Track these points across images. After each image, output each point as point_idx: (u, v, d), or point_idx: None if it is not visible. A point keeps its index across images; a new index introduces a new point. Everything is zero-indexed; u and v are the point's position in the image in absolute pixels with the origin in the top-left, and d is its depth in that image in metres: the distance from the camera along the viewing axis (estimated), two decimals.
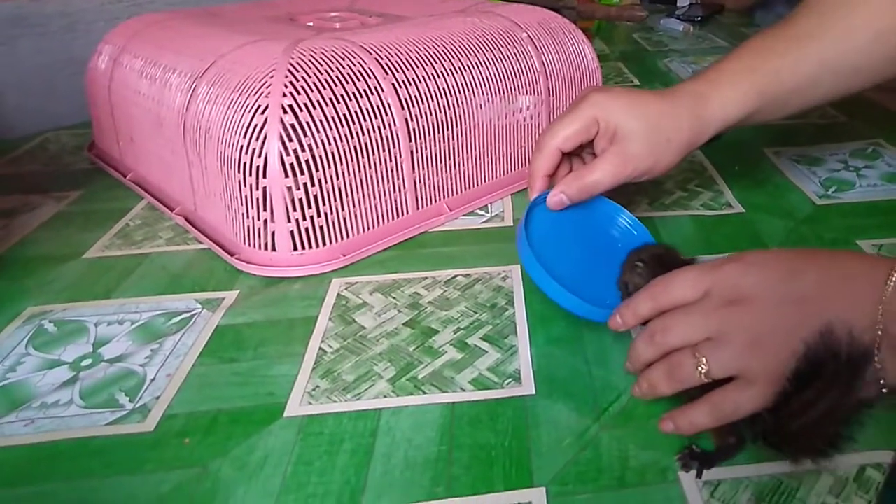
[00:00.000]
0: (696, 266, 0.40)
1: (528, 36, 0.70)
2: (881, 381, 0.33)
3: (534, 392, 0.43)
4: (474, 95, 0.64)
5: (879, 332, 0.33)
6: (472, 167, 0.66)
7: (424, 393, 0.43)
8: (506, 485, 0.36)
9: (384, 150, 0.58)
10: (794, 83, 0.52)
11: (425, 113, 0.60)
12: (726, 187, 0.70)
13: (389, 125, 0.58)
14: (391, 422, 0.41)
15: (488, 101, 0.65)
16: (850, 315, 0.33)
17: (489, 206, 0.67)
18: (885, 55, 0.51)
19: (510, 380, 0.44)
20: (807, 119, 0.87)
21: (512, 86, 0.67)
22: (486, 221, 0.64)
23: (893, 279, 0.33)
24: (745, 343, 0.36)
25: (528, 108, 0.69)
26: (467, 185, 0.66)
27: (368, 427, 0.40)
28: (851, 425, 0.33)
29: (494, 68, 0.66)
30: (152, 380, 0.44)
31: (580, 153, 0.54)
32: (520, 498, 0.35)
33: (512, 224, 0.63)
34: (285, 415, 0.41)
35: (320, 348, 0.47)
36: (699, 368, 0.37)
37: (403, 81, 0.59)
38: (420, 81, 0.60)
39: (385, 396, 0.43)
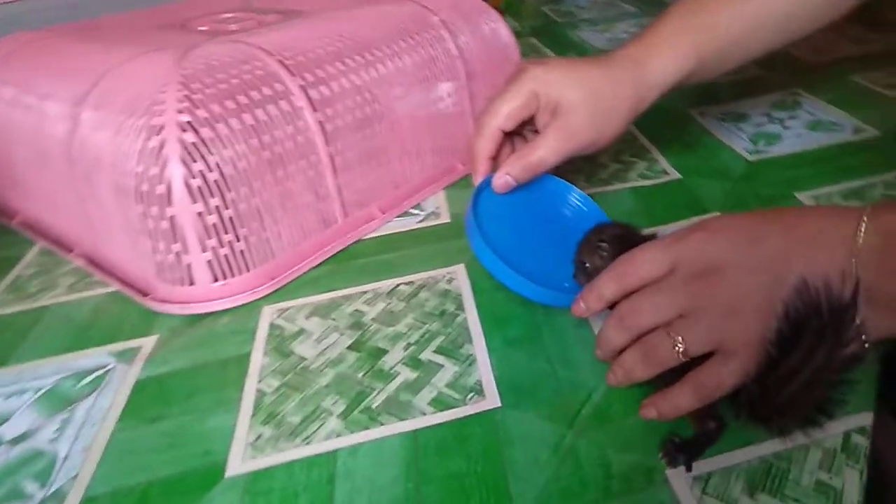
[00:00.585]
0: (658, 241, 0.38)
1: (441, 20, 0.66)
2: (863, 337, 0.32)
3: (500, 404, 0.39)
4: (391, 88, 0.60)
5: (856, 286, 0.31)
6: (399, 164, 0.62)
7: (382, 424, 0.39)
8: None
9: (301, 159, 0.53)
10: (731, 38, 0.50)
11: (341, 113, 0.55)
12: (659, 154, 0.68)
13: (303, 131, 0.53)
14: (349, 463, 0.36)
15: (406, 92, 0.61)
16: (823, 271, 0.31)
17: (422, 203, 0.62)
18: (817, 3, 0.50)
19: (473, 394, 0.40)
20: (725, 76, 0.87)
21: (429, 73, 0.63)
22: (421, 221, 0.60)
23: (862, 231, 0.32)
24: (718, 315, 0.34)
25: (449, 95, 0.66)
26: (396, 184, 0.62)
27: (324, 474, 0.36)
28: (840, 387, 0.31)
29: (409, 57, 0.62)
30: (66, 457, 0.38)
31: (521, 132, 0.51)
32: None
33: (450, 220, 0.59)
34: (227, 475, 0.36)
35: (258, 389, 0.42)
36: (676, 348, 0.34)
37: (312, 81, 0.54)
38: (331, 80, 0.55)
39: (338, 435, 0.38)
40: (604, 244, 0.41)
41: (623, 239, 0.41)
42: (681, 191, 0.62)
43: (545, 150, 0.47)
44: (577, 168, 0.65)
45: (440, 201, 0.63)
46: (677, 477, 0.34)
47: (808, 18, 0.51)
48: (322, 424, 0.39)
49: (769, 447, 0.35)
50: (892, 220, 0.32)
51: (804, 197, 0.58)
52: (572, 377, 0.41)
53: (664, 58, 0.49)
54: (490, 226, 0.46)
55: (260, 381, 0.43)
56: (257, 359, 0.45)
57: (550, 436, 0.37)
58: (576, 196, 0.52)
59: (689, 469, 0.34)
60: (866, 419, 0.36)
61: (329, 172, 0.55)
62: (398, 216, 0.60)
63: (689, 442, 0.35)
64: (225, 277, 0.50)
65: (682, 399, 0.35)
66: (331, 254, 0.55)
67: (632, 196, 0.61)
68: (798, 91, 0.80)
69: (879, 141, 0.67)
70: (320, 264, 0.54)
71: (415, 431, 0.38)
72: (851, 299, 0.30)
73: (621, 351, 0.37)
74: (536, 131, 0.49)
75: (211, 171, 0.47)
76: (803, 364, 0.30)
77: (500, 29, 0.72)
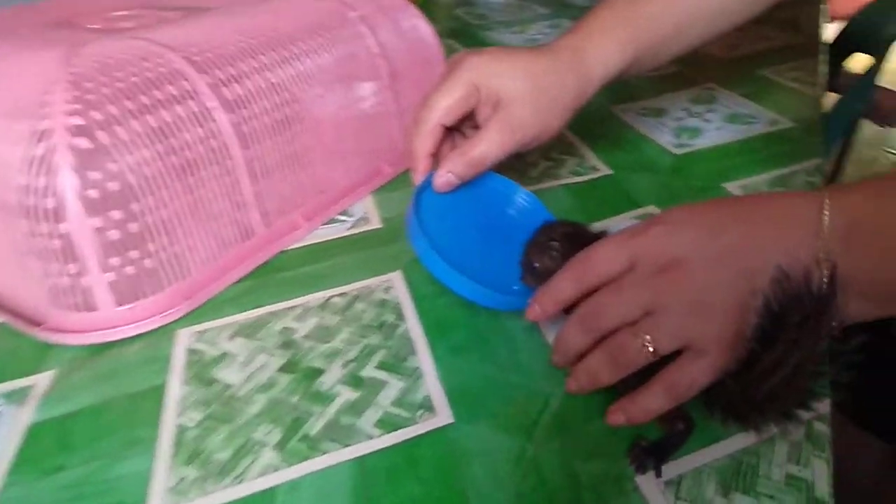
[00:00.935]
0: (614, 236, 0.36)
1: (359, 16, 0.63)
2: (833, 324, 0.31)
3: (452, 420, 0.36)
4: (310, 87, 0.56)
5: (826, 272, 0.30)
6: (323, 168, 0.58)
7: (323, 452, 0.35)
8: None
9: (215, 164, 0.48)
10: (669, 29, 0.50)
11: (257, 114, 0.51)
12: (588, 151, 0.68)
13: (216, 133, 0.48)
14: (289, 500, 0.32)
15: (327, 91, 0.57)
16: (796, 260, 0.30)
17: (350, 209, 0.59)
18: None
19: (422, 410, 0.37)
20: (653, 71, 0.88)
21: (350, 71, 0.60)
22: (351, 227, 0.56)
23: (826, 214, 0.31)
24: (685, 311, 0.32)
25: (372, 94, 0.62)
26: (321, 190, 0.57)
27: None
28: (819, 378, 0.30)
29: (328, 54, 0.58)
30: None
31: (460, 127, 0.48)
32: None
33: (381, 225, 0.56)
34: None
35: (178, 424, 0.37)
36: (646, 347, 0.32)
37: (223, 80, 0.49)
38: (244, 78, 0.51)
39: (275, 469, 0.34)
40: (554, 243, 0.38)
41: (573, 237, 0.39)
42: (613, 186, 0.61)
43: (488, 145, 0.44)
44: (507, 166, 0.63)
45: (368, 206, 0.59)
46: (648, 483, 0.32)
47: (740, 10, 0.52)
48: (255, 459, 0.35)
49: (736, 443, 0.34)
50: (854, 203, 0.31)
51: (732, 187, 0.59)
52: (527, 384, 0.38)
53: (605, 49, 0.48)
54: (433, 227, 0.43)
55: (179, 415, 0.38)
56: (175, 389, 0.40)
57: (510, 449, 0.34)
58: (521, 195, 0.50)
59: (658, 474, 0.32)
60: (825, 407, 0.35)
61: (246, 179, 0.50)
62: (325, 223, 0.56)
63: (657, 445, 0.33)
64: (132, 300, 0.44)
65: (652, 401, 0.33)
66: (252, 267, 0.50)
67: (565, 193, 0.60)
68: (712, 86, 0.82)
69: (794, 131, 0.69)
70: (242, 279, 0.49)
71: (361, 458, 0.34)
72: (831, 287, 0.29)
73: (581, 356, 0.35)
74: (477, 127, 0.47)
75: (111, 180, 0.42)
76: (786, 357, 0.29)
77: (420, 26, 0.69)
